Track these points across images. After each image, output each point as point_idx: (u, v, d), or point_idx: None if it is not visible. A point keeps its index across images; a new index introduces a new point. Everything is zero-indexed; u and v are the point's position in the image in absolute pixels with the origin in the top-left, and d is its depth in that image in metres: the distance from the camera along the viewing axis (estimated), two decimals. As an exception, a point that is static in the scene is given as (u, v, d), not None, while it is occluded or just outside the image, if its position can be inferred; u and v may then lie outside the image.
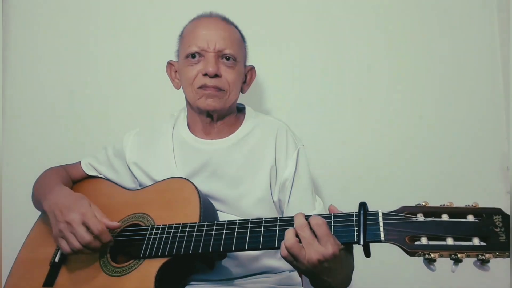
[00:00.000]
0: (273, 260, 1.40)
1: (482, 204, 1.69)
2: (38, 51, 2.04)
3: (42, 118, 2.01)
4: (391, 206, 1.72)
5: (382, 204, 1.72)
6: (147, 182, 1.47)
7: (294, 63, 1.95)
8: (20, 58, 2.04)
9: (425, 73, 1.90)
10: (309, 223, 1.05)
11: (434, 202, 1.74)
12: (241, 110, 1.56)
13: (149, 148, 1.51)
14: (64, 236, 1.25)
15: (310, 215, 1.08)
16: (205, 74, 1.39)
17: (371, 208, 1.07)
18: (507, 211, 1.00)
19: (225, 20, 1.48)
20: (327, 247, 1.02)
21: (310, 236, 1.03)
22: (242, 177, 1.40)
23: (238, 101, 1.53)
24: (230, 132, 1.48)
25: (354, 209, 1.10)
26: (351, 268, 1.14)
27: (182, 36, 1.50)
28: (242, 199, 1.39)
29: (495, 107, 1.87)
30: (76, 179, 1.59)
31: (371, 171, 1.85)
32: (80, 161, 1.61)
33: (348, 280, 1.18)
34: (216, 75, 1.39)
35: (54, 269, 1.36)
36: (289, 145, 1.44)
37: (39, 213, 1.52)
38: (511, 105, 1.80)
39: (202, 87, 1.40)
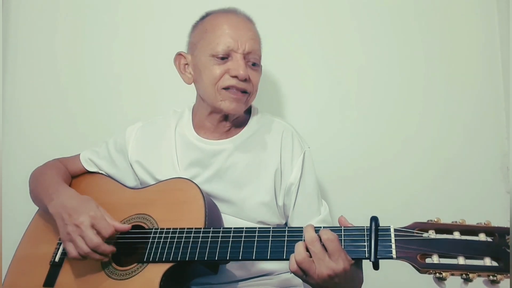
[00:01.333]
0: (275, 262, 1.39)
1: (482, 204, 1.75)
2: (36, 48, 2.01)
3: (41, 116, 1.98)
4: (393, 206, 1.76)
5: (384, 204, 1.76)
6: (149, 180, 1.45)
7: (304, 65, 1.93)
8: (18, 55, 2.01)
9: (425, 73, 1.89)
10: (319, 237, 1.04)
11: (434, 203, 1.78)
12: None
13: (152, 146, 1.48)
14: (72, 239, 1.23)
15: (320, 227, 1.07)
16: (234, 76, 1.34)
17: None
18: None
19: (249, 19, 1.43)
20: (338, 262, 1.02)
21: (321, 251, 1.03)
22: (245, 179, 1.39)
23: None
24: (235, 132, 1.44)
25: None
26: (361, 282, 1.15)
27: (205, 31, 1.39)
28: (245, 201, 1.38)
29: (495, 107, 1.87)
30: (75, 174, 1.55)
31: (376, 173, 1.85)
32: (79, 155, 1.57)
33: None
34: (245, 79, 1.35)
35: (54, 269, 1.34)
36: (295, 149, 1.41)
37: (37, 208, 1.49)
38: (511, 105, 1.80)
39: (229, 88, 1.35)
